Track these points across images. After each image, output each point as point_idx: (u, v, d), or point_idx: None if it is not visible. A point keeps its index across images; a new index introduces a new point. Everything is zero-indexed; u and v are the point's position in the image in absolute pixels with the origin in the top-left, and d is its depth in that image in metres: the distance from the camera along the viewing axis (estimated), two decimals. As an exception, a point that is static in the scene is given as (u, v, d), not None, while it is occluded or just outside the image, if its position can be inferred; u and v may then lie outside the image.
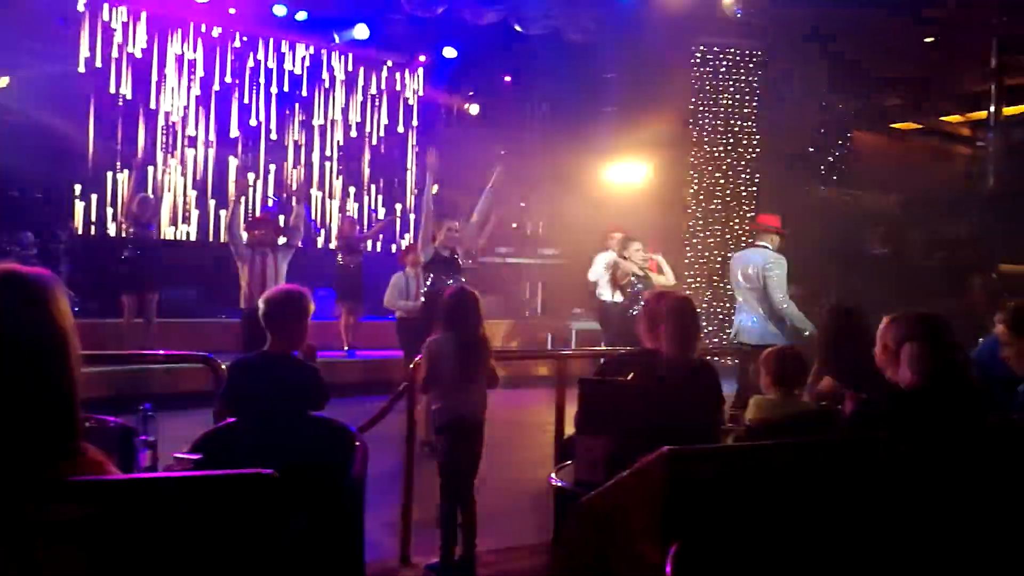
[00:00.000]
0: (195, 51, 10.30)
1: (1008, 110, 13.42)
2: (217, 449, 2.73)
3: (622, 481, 2.21)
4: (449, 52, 11.14)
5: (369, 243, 10.48)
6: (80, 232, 9.51)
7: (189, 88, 10.29)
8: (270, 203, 10.86)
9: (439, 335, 3.70)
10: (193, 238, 10.32)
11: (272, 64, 10.91)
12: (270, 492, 1.61)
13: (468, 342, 3.64)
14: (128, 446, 2.55)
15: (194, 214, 10.37)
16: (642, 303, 3.46)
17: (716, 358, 9.48)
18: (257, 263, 6.39)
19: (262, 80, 10.83)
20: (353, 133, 11.68)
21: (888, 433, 2.40)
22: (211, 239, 10.39)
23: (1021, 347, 2.79)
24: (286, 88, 11.01)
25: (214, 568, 1.54)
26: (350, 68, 11.58)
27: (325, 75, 11.37)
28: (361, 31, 10.42)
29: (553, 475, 2.99)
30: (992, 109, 12.66)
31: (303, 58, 11.15)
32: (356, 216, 11.31)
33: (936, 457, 2.26)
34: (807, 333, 5.86)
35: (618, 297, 7.62)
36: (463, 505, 3.63)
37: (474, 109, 12.28)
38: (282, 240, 6.73)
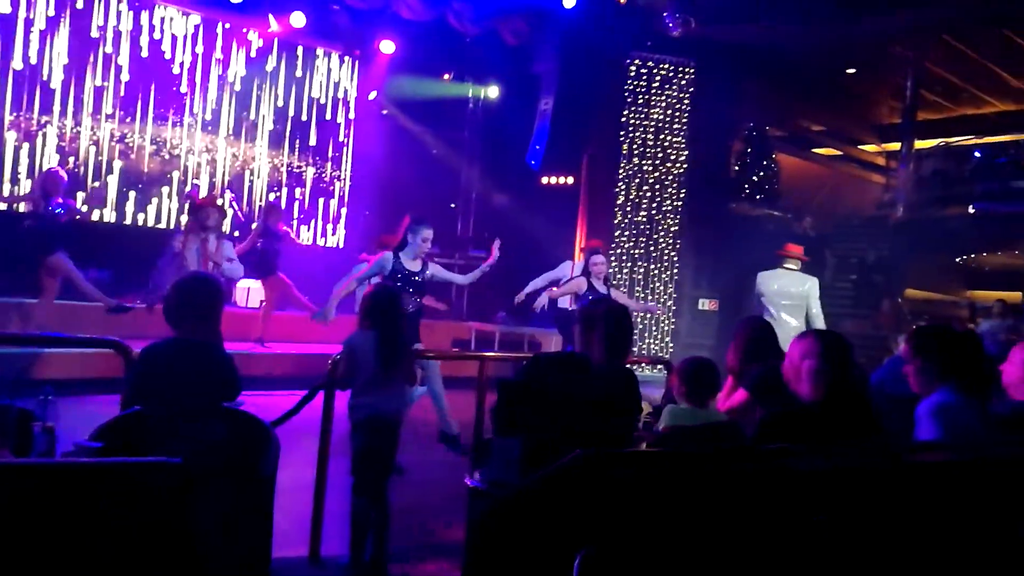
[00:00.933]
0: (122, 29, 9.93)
1: (920, 143, 14.13)
2: (122, 437, 2.63)
3: (535, 483, 2.23)
4: (387, 46, 11.04)
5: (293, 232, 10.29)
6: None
7: (112, 66, 9.90)
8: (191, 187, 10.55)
9: (360, 332, 3.66)
10: (110, 220, 9.94)
11: (200, 47, 10.60)
12: (175, 481, 1.57)
13: (388, 340, 3.61)
14: (26, 431, 2.43)
15: (111, 195, 9.99)
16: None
17: (640, 367, 9.66)
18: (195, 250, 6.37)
19: (186, 63, 10.52)
20: (286, 122, 11.46)
21: (786, 446, 2.49)
22: (128, 221, 10.03)
23: (919, 366, 2.93)
24: (218, 72, 10.72)
25: (113, 556, 1.49)
26: (283, 57, 11.35)
27: (268, 62, 11.11)
28: (298, 19, 10.23)
29: (468, 476, 2.99)
30: (904, 141, 13.30)
31: (238, 43, 10.88)
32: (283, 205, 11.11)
33: (832, 472, 2.35)
34: None
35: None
36: (376, 503, 3.60)
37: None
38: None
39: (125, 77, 9.97)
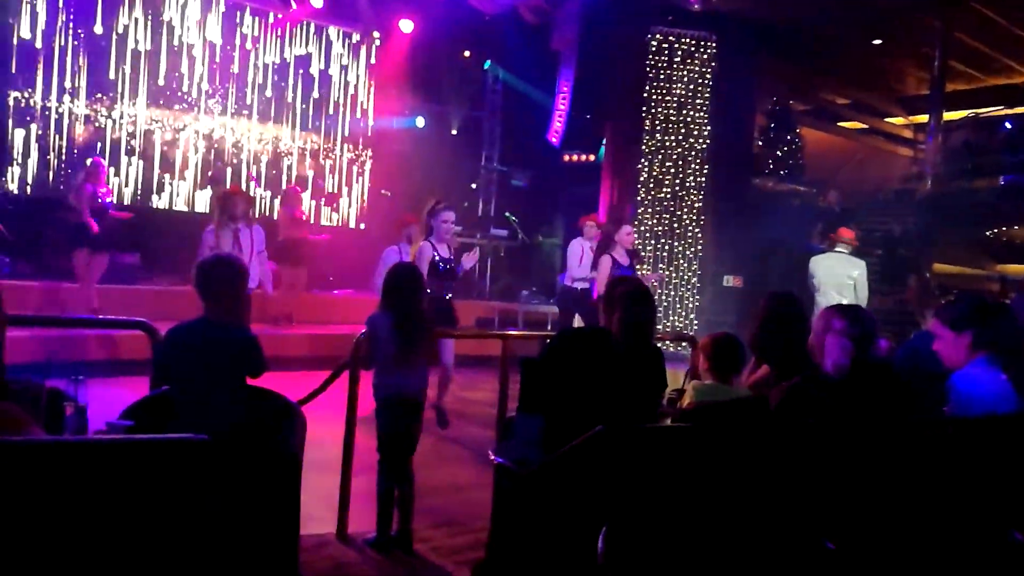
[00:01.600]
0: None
1: (948, 115, 13.84)
2: (150, 417, 2.67)
3: (559, 458, 2.24)
4: (406, 25, 11.00)
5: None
6: (15, 191, 9.18)
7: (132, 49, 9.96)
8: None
9: (380, 311, 3.68)
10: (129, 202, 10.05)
11: (219, 31, 10.63)
12: (203, 459, 1.59)
13: (409, 319, 3.62)
14: (57, 410, 2.48)
15: (130, 178, 10.09)
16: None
17: (664, 344, 9.64)
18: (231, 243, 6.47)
19: (204, 45, 10.55)
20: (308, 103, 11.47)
21: (813, 419, 2.47)
22: (152, 205, 10.13)
23: (953, 340, 2.88)
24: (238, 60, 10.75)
25: (142, 532, 1.52)
26: (305, 38, 11.35)
27: (280, 44, 11.12)
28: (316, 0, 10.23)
29: (493, 452, 3.01)
30: (933, 113, 13.04)
31: (259, 26, 10.89)
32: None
33: (859, 443, 2.33)
34: None
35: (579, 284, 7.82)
36: (401, 481, 3.63)
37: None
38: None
39: (148, 62, 10.03)
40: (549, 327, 9.61)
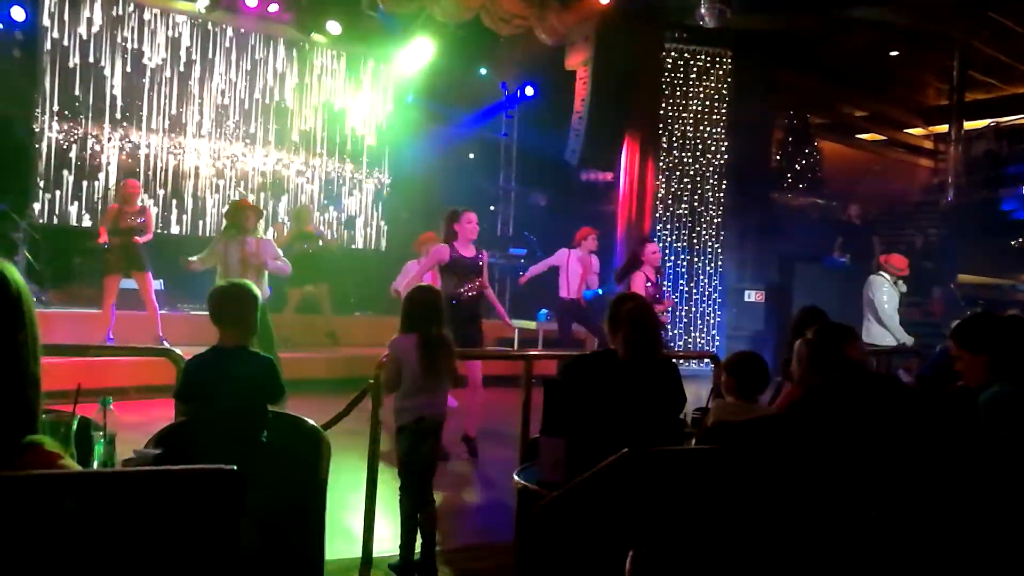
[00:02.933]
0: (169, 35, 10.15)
1: (969, 124, 13.76)
2: (177, 445, 2.70)
3: (584, 481, 2.23)
4: (424, 46, 11.09)
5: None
6: (43, 220, 9.34)
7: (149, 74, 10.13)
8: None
9: (402, 334, 3.69)
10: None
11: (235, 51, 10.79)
12: (231, 489, 1.60)
13: (431, 342, 3.64)
14: (86, 439, 2.51)
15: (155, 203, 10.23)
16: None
17: (686, 362, 9.60)
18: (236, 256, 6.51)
19: (226, 66, 10.70)
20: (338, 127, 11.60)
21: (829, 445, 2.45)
22: (167, 230, 10.24)
23: (970, 360, 2.86)
24: (258, 78, 10.90)
25: (172, 566, 1.53)
26: (331, 61, 11.49)
27: (305, 66, 11.27)
28: (333, 27, 10.37)
29: (516, 474, 3.00)
30: (953, 123, 12.96)
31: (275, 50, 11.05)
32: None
33: (879, 465, 2.31)
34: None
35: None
36: (423, 504, 3.63)
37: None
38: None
39: (168, 88, 10.20)
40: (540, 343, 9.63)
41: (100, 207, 9.42)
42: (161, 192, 10.19)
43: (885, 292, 8.02)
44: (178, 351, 3.50)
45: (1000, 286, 14.76)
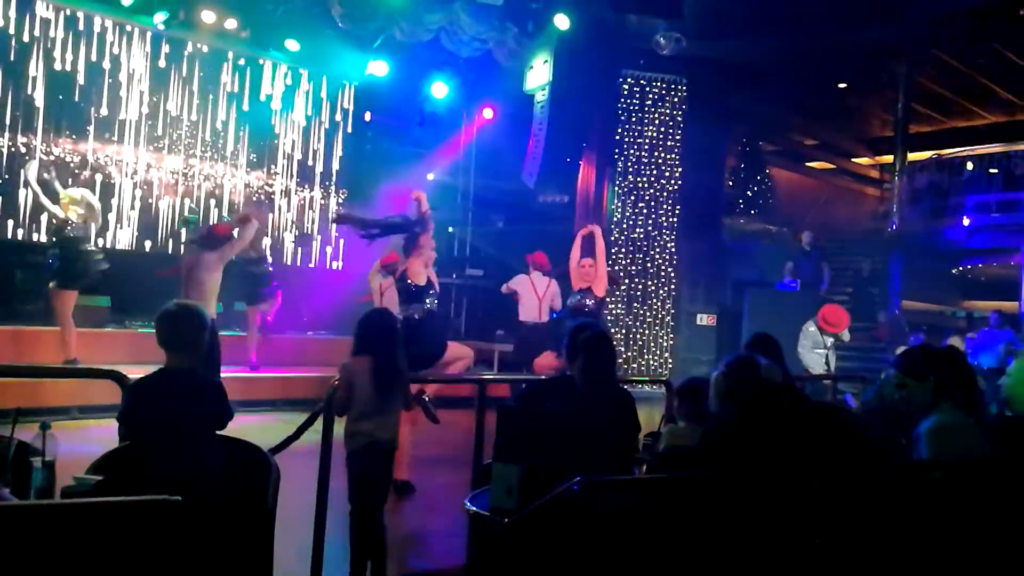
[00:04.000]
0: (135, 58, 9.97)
1: (913, 155, 14.22)
2: (119, 470, 2.63)
3: (536, 509, 2.23)
4: (380, 68, 11.10)
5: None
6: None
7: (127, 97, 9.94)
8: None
9: (354, 357, 3.65)
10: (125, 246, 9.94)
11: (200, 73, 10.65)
12: (174, 519, 1.57)
13: (384, 366, 3.60)
14: (23, 465, 2.43)
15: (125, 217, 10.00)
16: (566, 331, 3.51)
17: (640, 387, 9.68)
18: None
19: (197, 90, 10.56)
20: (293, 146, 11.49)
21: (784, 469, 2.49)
22: (120, 246, 10.01)
23: (910, 389, 2.94)
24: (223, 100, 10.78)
25: (111, 599, 1.49)
26: (287, 80, 11.42)
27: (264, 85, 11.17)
28: (293, 45, 10.32)
29: (468, 501, 2.98)
30: (897, 154, 13.38)
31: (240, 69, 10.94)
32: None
33: (831, 492, 2.35)
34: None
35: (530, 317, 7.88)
36: (374, 530, 3.58)
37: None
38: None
39: (135, 104, 10.01)
40: (525, 370, 9.60)
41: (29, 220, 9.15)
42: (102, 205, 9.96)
43: (808, 338, 8.30)
44: (123, 372, 3.41)
45: (942, 312, 15.22)
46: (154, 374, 2.87)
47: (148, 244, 10.23)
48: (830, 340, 8.28)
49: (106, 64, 9.82)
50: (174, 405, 2.77)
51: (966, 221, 13.45)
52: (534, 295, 8.00)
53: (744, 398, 2.79)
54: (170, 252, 10.18)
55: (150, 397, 2.82)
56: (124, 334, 8.43)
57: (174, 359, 2.87)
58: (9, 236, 9.07)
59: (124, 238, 10.05)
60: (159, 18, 9.48)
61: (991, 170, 14.05)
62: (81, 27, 9.63)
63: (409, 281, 5.46)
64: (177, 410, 2.76)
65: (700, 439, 2.83)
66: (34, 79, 9.33)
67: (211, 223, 9.81)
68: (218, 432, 2.88)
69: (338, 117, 12.00)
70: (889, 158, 14.17)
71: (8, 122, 9.18)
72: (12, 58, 9.14)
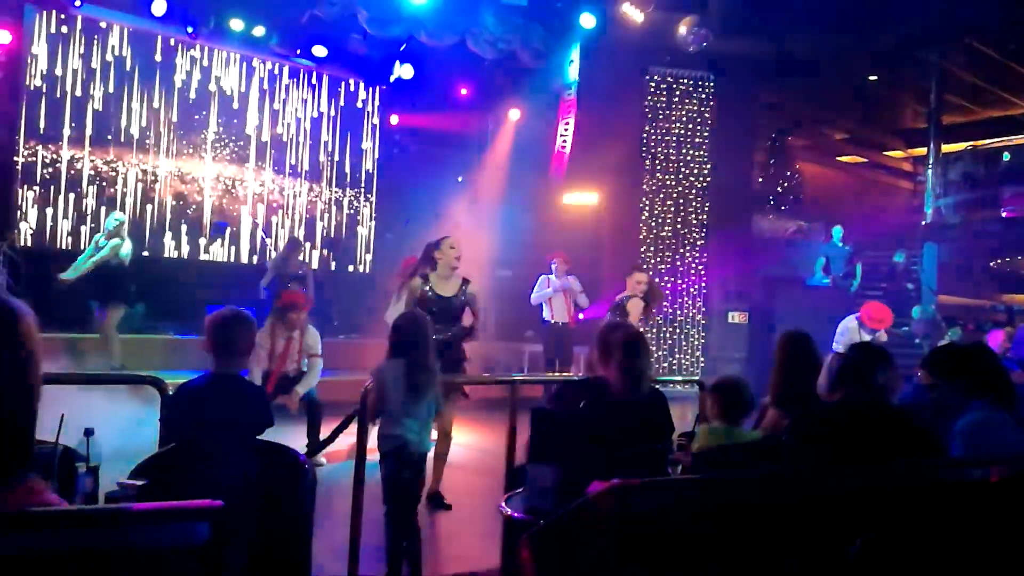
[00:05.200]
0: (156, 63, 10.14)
1: (946, 147, 13.97)
2: (161, 475, 2.67)
3: (571, 512, 2.22)
4: (406, 71, 11.15)
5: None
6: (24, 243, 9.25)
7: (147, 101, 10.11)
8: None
9: (387, 361, 3.68)
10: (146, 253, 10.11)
11: (233, 81, 10.79)
12: (216, 523, 1.59)
13: (415, 370, 3.62)
14: (68, 471, 2.48)
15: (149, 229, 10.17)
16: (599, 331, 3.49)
17: (670, 385, 9.62)
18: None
19: (217, 95, 10.70)
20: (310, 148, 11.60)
21: (821, 468, 2.46)
22: (151, 254, 10.17)
23: (942, 389, 2.90)
24: (235, 105, 10.91)
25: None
26: (310, 86, 11.52)
27: (290, 91, 11.28)
28: (319, 51, 10.42)
29: (503, 503, 2.99)
30: (931, 146, 13.15)
31: (262, 75, 11.06)
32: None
33: (870, 491, 2.32)
34: None
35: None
36: (408, 532, 3.60)
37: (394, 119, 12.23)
38: None
39: (165, 112, 10.17)
40: (557, 367, 9.60)
41: (80, 229, 9.35)
42: (160, 213, 10.14)
43: (847, 335, 8.05)
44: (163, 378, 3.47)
45: (978, 307, 14.94)
46: (200, 378, 2.91)
47: (186, 251, 10.41)
48: (868, 336, 8.06)
49: (135, 71, 10.00)
50: (218, 410, 2.81)
51: (1003, 213, 13.19)
52: (553, 296, 8.02)
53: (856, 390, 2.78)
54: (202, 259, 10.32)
55: (195, 402, 2.86)
56: (157, 340, 8.57)
57: (222, 364, 2.92)
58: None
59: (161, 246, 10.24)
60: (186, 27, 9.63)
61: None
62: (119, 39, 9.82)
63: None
64: (221, 415, 2.80)
65: (790, 426, 2.81)
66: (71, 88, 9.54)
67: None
68: (259, 438, 2.92)
69: (366, 121, 12.08)
70: (923, 150, 13.93)
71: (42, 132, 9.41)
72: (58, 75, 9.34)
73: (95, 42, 9.71)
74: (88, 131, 9.70)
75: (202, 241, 10.58)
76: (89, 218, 9.61)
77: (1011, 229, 13.13)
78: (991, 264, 14.33)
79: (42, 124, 9.35)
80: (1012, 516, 2.39)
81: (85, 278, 7.81)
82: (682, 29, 10.27)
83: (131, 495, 2.35)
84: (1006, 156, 14.07)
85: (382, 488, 3.65)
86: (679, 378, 9.93)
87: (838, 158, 17.53)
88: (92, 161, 9.75)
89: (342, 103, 11.87)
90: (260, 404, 2.93)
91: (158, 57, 10.18)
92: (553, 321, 8.26)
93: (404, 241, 11.17)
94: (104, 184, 9.84)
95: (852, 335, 8.05)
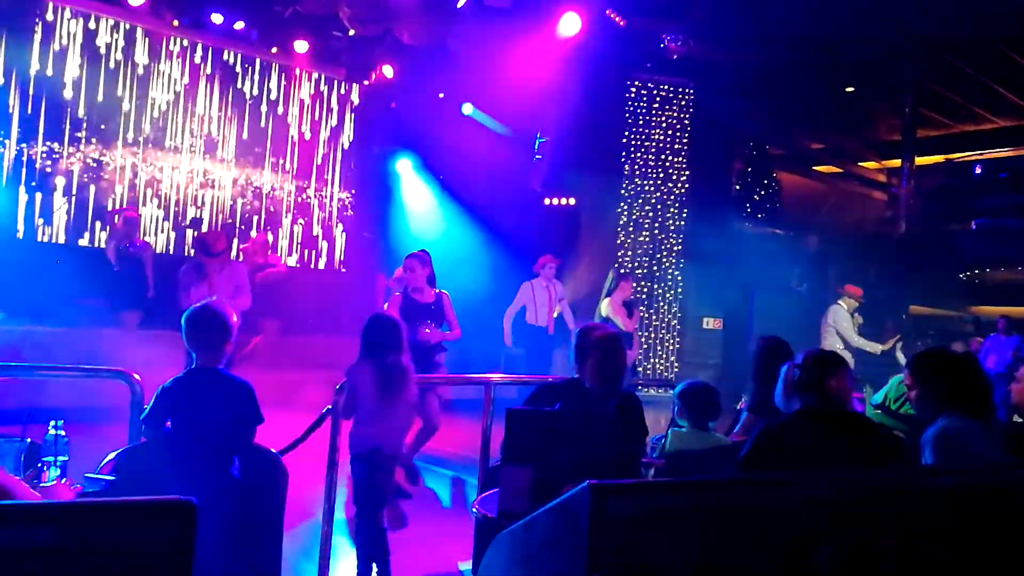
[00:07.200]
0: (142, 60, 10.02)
1: (920, 160, 14.17)
2: (132, 470, 2.64)
3: (545, 513, 2.23)
4: (387, 71, 11.11)
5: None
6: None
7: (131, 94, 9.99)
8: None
9: (359, 361, 3.66)
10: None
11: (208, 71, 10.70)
12: (188, 521, 1.57)
13: (389, 369, 3.61)
14: (35, 464, 2.44)
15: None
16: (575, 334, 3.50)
17: (642, 389, 9.66)
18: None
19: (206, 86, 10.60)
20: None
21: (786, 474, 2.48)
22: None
23: (920, 392, 2.93)
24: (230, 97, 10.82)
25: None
26: (291, 81, 11.45)
27: (267, 85, 11.20)
28: (300, 46, 10.35)
29: (476, 503, 2.99)
30: (905, 158, 13.34)
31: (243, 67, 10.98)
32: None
33: (835, 498, 2.34)
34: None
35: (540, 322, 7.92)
36: (378, 533, 3.59)
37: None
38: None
39: (131, 105, 10.06)
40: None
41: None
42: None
43: (846, 319, 8.46)
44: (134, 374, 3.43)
45: (948, 317, 15.16)
46: (184, 376, 2.88)
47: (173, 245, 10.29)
48: (856, 316, 8.54)
49: (119, 67, 9.89)
50: (204, 406, 2.78)
51: (974, 225, 13.40)
52: (536, 300, 8.03)
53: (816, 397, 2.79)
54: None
55: (186, 397, 2.82)
56: (120, 334, 8.45)
57: (205, 359, 2.89)
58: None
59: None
60: (169, 20, 9.54)
61: (1000, 175, 14.00)
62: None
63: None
64: (214, 411, 2.77)
65: (755, 435, 2.82)
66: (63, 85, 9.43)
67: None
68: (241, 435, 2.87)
69: (346, 118, 12.03)
70: (897, 162, 14.11)
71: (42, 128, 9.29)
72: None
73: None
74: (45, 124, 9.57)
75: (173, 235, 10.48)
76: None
77: (981, 242, 13.35)
78: (961, 276, 14.56)
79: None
80: (970, 527, 2.43)
81: None
82: (664, 38, 10.34)
83: (99, 490, 2.32)
84: (977, 170, 14.31)
85: (352, 489, 3.64)
86: (653, 381, 9.98)
87: (814, 168, 17.71)
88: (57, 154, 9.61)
89: (322, 100, 11.80)
90: (252, 399, 2.89)
91: (134, 50, 10.06)
92: (536, 324, 8.25)
93: (380, 242, 11.16)
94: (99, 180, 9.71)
95: (848, 318, 8.43)
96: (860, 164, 17.93)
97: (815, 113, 14.30)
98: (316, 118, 11.76)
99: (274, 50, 10.66)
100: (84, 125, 9.73)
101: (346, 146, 12.09)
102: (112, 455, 2.87)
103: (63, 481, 2.40)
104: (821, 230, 13.62)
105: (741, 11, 10.00)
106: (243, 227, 11.00)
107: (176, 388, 2.84)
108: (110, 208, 9.81)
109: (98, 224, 9.77)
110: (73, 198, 9.61)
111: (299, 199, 11.66)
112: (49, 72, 9.41)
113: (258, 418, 2.88)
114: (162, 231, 10.39)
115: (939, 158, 15.32)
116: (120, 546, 1.53)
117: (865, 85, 13.03)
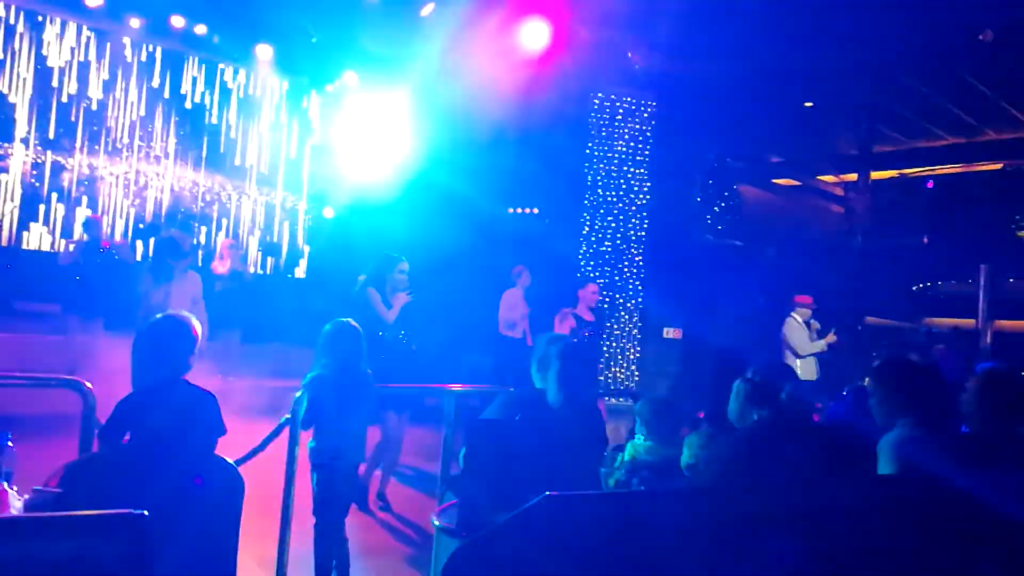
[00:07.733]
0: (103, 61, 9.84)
1: (876, 174, 14.49)
2: (81, 482, 2.58)
3: (505, 524, 2.22)
4: (349, 78, 11.07)
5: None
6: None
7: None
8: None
9: (318, 371, 3.62)
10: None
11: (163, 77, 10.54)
12: (140, 533, 1.54)
13: (349, 377, 3.58)
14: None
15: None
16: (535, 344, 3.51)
17: (609, 399, 9.72)
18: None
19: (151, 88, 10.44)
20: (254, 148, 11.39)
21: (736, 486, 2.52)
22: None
23: (880, 397, 2.97)
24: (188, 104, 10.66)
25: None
26: (254, 87, 11.32)
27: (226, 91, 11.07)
28: (264, 51, 10.26)
29: (435, 515, 2.97)
30: (861, 172, 13.63)
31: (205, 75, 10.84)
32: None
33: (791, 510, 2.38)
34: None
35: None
36: (337, 543, 3.55)
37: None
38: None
39: (94, 107, 9.88)
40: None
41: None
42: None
43: (797, 331, 8.51)
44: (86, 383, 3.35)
45: (902, 328, 15.48)
46: (150, 388, 2.81)
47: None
48: (810, 323, 8.59)
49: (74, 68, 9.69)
50: (168, 418, 2.71)
51: (925, 239, 13.73)
52: (516, 308, 8.01)
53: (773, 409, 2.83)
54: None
55: (151, 410, 2.74)
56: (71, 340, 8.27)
57: (168, 371, 2.82)
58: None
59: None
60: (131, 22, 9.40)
61: (951, 190, 14.36)
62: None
63: None
64: (170, 423, 2.71)
65: (731, 446, 2.84)
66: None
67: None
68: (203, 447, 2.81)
69: (308, 125, 11.94)
70: (853, 176, 14.41)
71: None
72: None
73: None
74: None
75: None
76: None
77: (932, 255, 13.68)
78: (913, 288, 14.90)
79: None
80: (919, 536, 2.48)
81: None
82: (628, 51, 10.44)
83: (47, 503, 2.26)
84: (929, 185, 14.66)
85: (312, 498, 3.60)
86: (615, 391, 10.04)
87: (774, 180, 17.99)
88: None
89: (285, 105, 11.70)
90: (216, 411, 2.83)
91: (95, 52, 9.88)
92: (513, 335, 8.22)
93: (342, 252, 11.06)
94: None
95: (798, 332, 8.44)
96: (818, 177, 18.27)
97: (775, 127, 14.54)
98: (278, 125, 11.64)
99: (239, 56, 10.57)
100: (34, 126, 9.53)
101: (310, 152, 11.99)
102: (61, 467, 2.80)
103: (13, 490, 2.34)
104: (780, 242, 13.82)
105: (705, 28, 10.16)
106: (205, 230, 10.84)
107: (140, 400, 2.78)
108: (62, 211, 9.60)
109: (44, 229, 9.56)
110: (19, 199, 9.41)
111: (259, 205, 11.53)
112: None
113: (220, 429, 2.83)
114: (115, 236, 10.19)
115: (894, 172, 15.67)
116: (72, 559, 1.49)
117: (823, 101, 13.29)
